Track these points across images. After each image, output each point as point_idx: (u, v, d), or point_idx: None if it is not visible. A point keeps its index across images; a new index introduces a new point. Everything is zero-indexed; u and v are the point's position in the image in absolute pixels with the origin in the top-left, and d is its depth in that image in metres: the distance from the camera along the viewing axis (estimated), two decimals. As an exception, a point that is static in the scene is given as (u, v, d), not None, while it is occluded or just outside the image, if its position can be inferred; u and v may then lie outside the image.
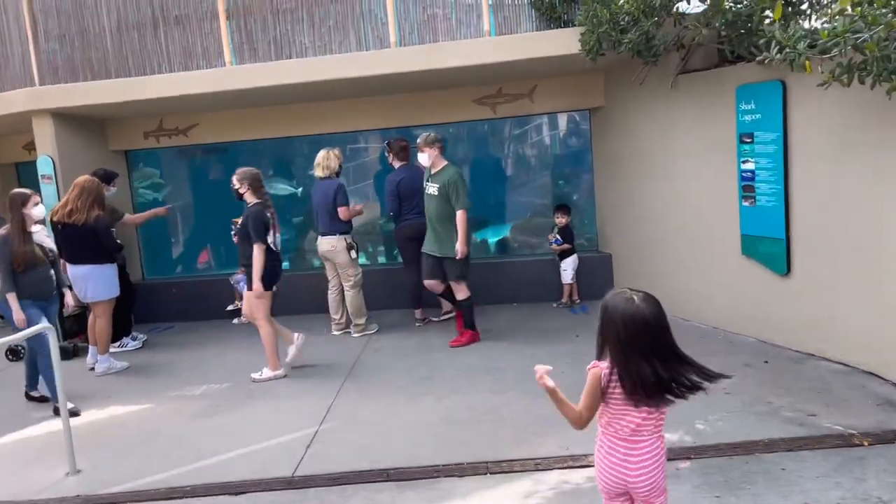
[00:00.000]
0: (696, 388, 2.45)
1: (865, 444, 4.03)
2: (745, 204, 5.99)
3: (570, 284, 7.88)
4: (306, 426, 4.96)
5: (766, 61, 4.50)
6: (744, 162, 5.95)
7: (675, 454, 4.07)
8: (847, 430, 4.21)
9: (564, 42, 6.60)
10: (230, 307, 8.44)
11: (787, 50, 4.23)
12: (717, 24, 5.46)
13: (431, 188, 6.55)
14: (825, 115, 5.20)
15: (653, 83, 6.82)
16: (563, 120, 8.50)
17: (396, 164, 7.50)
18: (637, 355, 2.41)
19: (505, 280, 8.09)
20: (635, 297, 2.44)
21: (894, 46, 4.01)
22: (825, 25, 4.17)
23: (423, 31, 7.20)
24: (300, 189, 8.98)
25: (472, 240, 6.96)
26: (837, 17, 4.04)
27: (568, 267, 7.81)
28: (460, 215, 6.40)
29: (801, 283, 5.62)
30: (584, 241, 8.38)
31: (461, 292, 6.64)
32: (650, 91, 6.91)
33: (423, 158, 6.60)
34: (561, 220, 7.99)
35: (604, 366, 2.52)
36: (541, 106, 7.91)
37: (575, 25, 6.81)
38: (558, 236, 7.84)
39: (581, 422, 2.57)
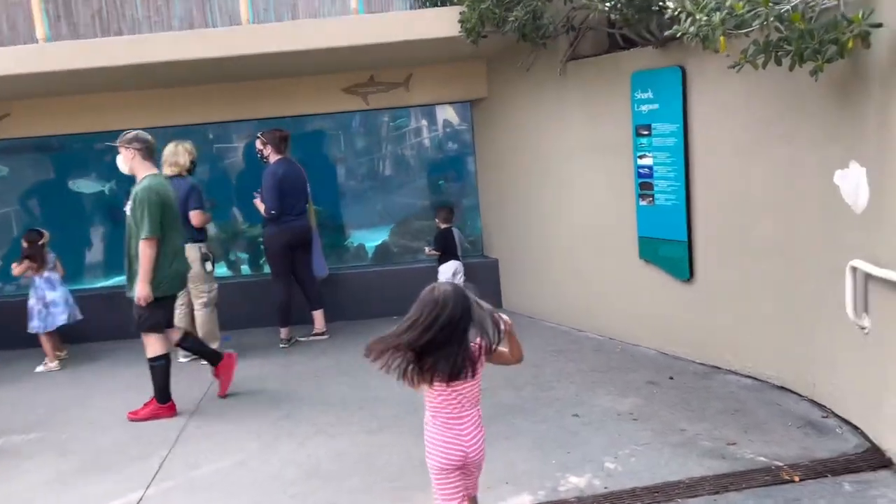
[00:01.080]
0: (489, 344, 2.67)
1: (796, 479, 3.49)
2: (643, 203, 5.44)
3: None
4: (129, 490, 3.91)
5: (678, 35, 3.89)
6: (640, 157, 5.40)
7: (586, 507, 3.38)
8: (773, 461, 3.67)
9: (442, 23, 5.83)
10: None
11: (702, 23, 3.63)
12: (613, 2, 4.85)
13: (128, 207, 4.98)
14: (730, 104, 4.70)
15: (540, 71, 6.19)
16: (443, 112, 7.75)
17: (273, 159, 6.50)
18: (443, 344, 2.58)
19: (384, 291, 7.25)
20: (445, 294, 2.62)
21: (819, 19, 3.49)
22: (740, -3, 3.60)
23: (280, 7, 6.24)
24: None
25: (184, 272, 5.22)
26: (757, -16, 3.48)
27: (441, 274, 7.02)
28: (142, 246, 4.79)
29: (705, 290, 5.12)
30: (469, 245, 7.67)
31: (149, 347, 4.97)
32: (537, 80, 6.28)
33: (120, 163, 5.09)
34: (441, 223, 7.27)
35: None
36: (418, 96, 7.12)
37: (454, 4, 6.07)
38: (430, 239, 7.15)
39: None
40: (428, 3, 6.33)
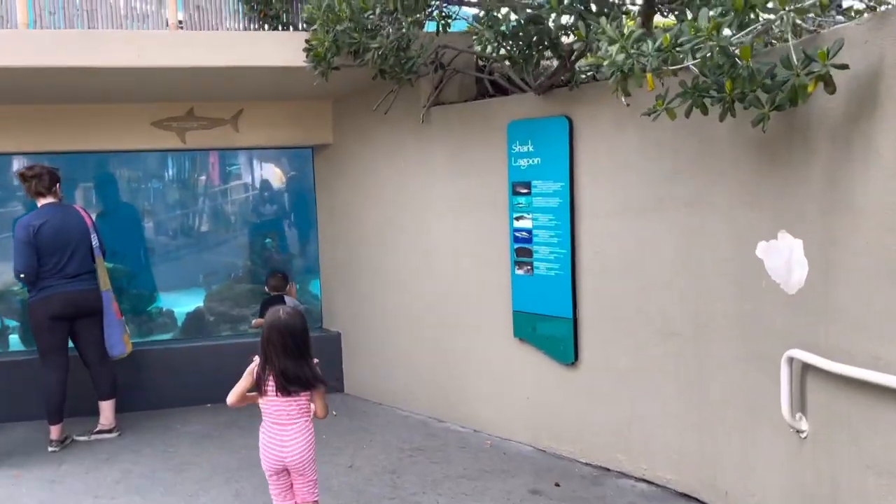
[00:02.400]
0: (318, 381, 3.22)
1: None
2: (519, 272, 4.66)
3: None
4: None
5: (576, 76, 3.18)
6: (517, 218, 4.64)
7: None
8: None
9: (283, 49, 4.81)
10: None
11: (628, 55, 2.91)
12: (497, 32, 4.09)
13: None
14: (626, 160, 4.07)
15: (398, 117, 5.32)
16: (278, 158, 6.63)
17: (40, 202, 5.02)
18: (279, 355, 3.12)
19: (197, 372, 5.87)
20: (282, 311, 3.21)
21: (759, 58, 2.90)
22: (680, 26, 2.94)
23: (70, 11, 4.91)
24: None
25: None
26: (700, 8, 2.83)
27: None
28: None
29: (591, 376, 4.37)
30: (309, 318, 6.48)
31: None
32: (394, 126, 5.41)
33: None
34: (269, 290, 6.11)
35: (258, 363, 3.21)
36: (248, 137, 5.97)
37: (299, 30, 5.09)
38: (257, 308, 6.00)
39: (234, 398, 3.24)
40: (267, 27, 5.29)
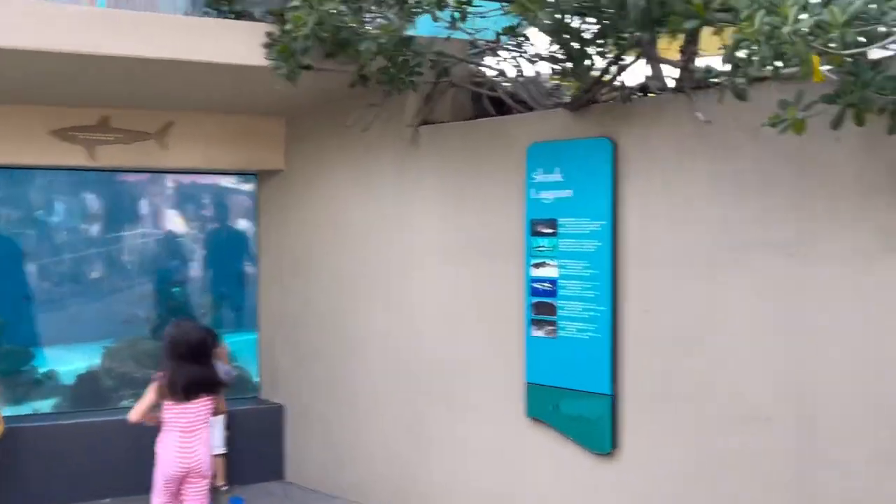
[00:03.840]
0: (220, 385, 3.68)
1: None
2: (537, 334, 3.67)
3: (216, 457, 4.63)
4: None
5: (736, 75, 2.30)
6: (537, 265, 3.67)
7: None
8: None
9: (236, 41, 3.77)
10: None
11: (786, 43, 2.04)
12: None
13: None
14: (687, 194, 3.21)
15: (374, 138, 4.32)
16: (212, 185, 5.41)
17: None
18: (182, 363, 3.45)
19: (87, 453, 4.50)
20: (182, 323, 3.74)
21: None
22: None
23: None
24: None
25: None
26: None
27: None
28: None
29: (634, 471, 3.39)
30: (241, 386, 5.23)
31: None
32: (369, 150, 4.40)
33: None
34: None
35: (160, 376, 3.48)
36: (178, 157, 4.78)
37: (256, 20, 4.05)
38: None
39: (137, 415, 3.52)
40: (219, 14, 4.20)
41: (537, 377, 3.68)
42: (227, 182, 5.33)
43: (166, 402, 3.50)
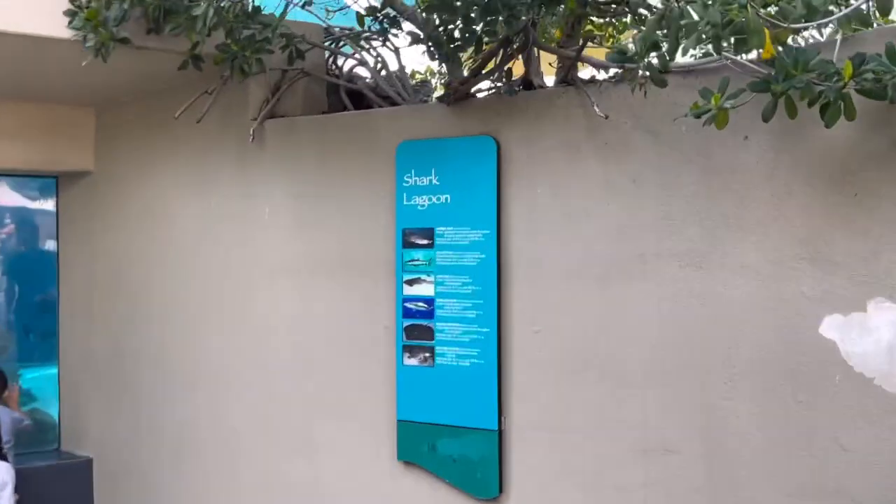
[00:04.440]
0: None
1: None
2: (411, 362, 3.15)
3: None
4: None
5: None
6: (410, 283, 3.16)
7: None
8: None
9: (30, 6, 2.99)
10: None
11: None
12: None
13: None
14: (580, 200, 2.86)
15: (209, 134, 3.64)
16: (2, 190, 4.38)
17: None
18: None
19: None
20: None
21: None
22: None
23: None
24: None
25: None
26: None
27: None
28: None
29: (526, 516, 2.96)
30: (42, 436, 4.24)
31: None
32: (202, 149, 3.70)
33: None
34: None
35: None
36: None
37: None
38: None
39: None
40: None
41: (410, 413, 3.16)
42: (20, 187, 4.34)
43: None
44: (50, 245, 4.33)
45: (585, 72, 3.10)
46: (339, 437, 3.37)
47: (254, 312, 3.60)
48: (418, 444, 3.14)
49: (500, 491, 2.98)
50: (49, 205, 4.31)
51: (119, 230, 4.02)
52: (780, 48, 2.01)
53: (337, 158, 3.38)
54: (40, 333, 4.79)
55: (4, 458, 3.74)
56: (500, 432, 2.97)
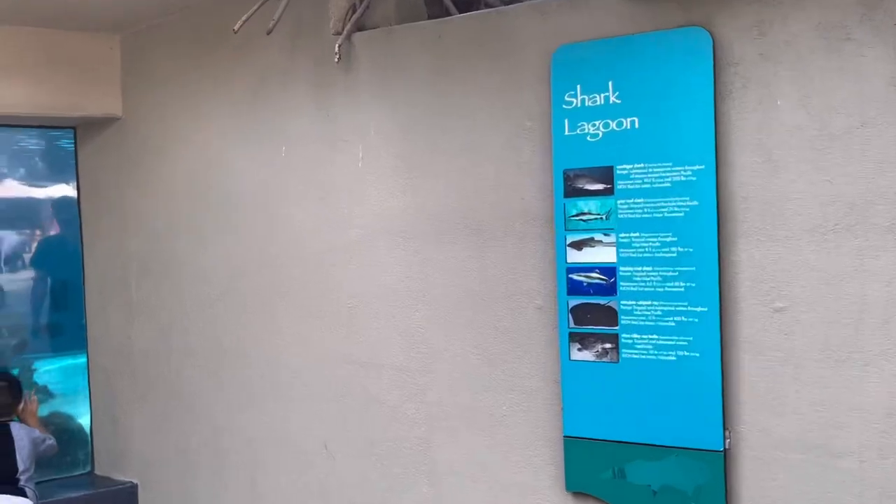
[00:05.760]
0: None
1: None
2: (582, 356, 2.25)
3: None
4: None
5: None
6: (577, 245, 2.25)
7: None
8: None
9: None
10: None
11: None
12: None
13: None
14: (841, 101, 1.92)
15: (277, 59, 2.72)
16: (19, 145, 3.48)
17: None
18: None
19: None
20: None
21: None
22: None
23: None
24: None
25: None
26: None
27: None
28: None
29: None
30: (67, 458, 3.38)
31: None
32: (269, 78, 2.78)
33: None
34: None
35: None
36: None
37: None
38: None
39: None
40: None
41: (583, 427, 2.26)
42: (43, 137, 3.44)
43: None
44: (69, 216, 3.44)
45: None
46: (472, 458, 2.49)
47: (341, 292, 2.71)
48: (597, 470, 2.25)
49: (721, 534, 2.09)
50: (67, 166, 3.40)
51: (158, 193, 3.11)
52: None
53: (458, 76, 2.45)
54: (61, 324, 3.96)
55: (22, 493, 2.89)
56: (727, 453, 2.07)
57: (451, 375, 2.51)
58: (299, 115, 2.75)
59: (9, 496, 2.86)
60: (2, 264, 4.30)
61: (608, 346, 2.21)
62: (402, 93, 2.55)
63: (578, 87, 2.23)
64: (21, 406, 3.07)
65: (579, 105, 2.22)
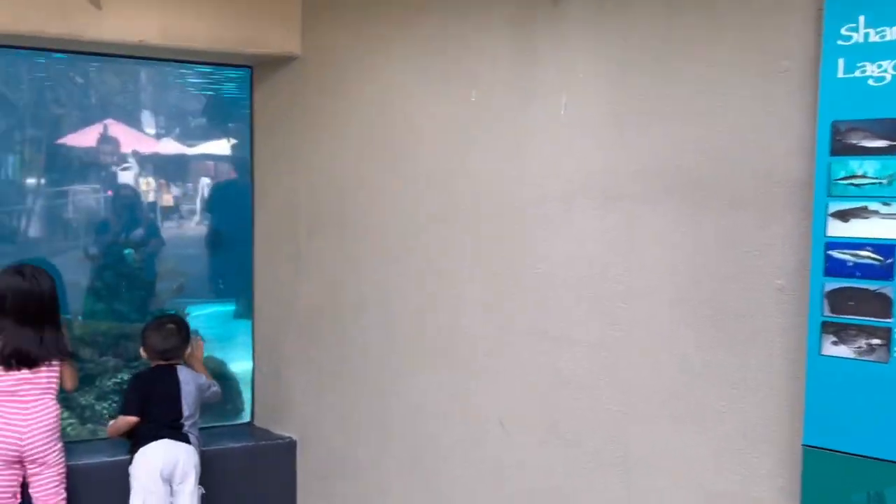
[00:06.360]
0: (61, 355, 2.69)
1: None
2: (837, 351, 1.84)
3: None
4: None
5: None
6: (844, 215, 1.83)
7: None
8: None
9: None
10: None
11: None
12: None
13: None
14: None
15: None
16: (171, 84, 3.43)
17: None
18: (14, 324, 2.60)
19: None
20: (23, 269, 2.64)
21: None
22: None
23: None
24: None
25: None
26: None
27: (137, 479, 2.79)
28: None
29: None
30: (227, 406, 3.34)
31: None
32: (466, 16, 2.50)
33: None
34: (149, 353, 3.00)
35: None
36: (119, 26, 2.79)
37: None
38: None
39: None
40: None
41: (831, 438, 1.86)
42: (217, 78, 3.36)
43: None
44: (241, 163, 3.36)
45: None
46: (675, 455, 2.15)
47: (532, 256, 2.41)
48: (845, 490, 1.85)
49: None
50: (239, 105, 3.30)
51: (334, 140, 2.93)
52: None
53: (693, 5, 2.06)
54: (220, 272, 3.95)
55: (186, 439, 2.84)
56: None
57: (657, 358, 2.17)
58: (494, 55, 2.46)
59: (172, 440, 2.82)
60: (170, 208, 4.35)
61: (876, 341, 1.79)
62: (621, 28, 2.19)
63: (861, 18, 1.78)
64: (188, 350, 3.03)
65: (861, 40, 1.78)
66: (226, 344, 3.74)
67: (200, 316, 3.90)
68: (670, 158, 2.13)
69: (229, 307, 4.60)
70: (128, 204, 4.15)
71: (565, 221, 2.34)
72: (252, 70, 3.17)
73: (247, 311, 4.41)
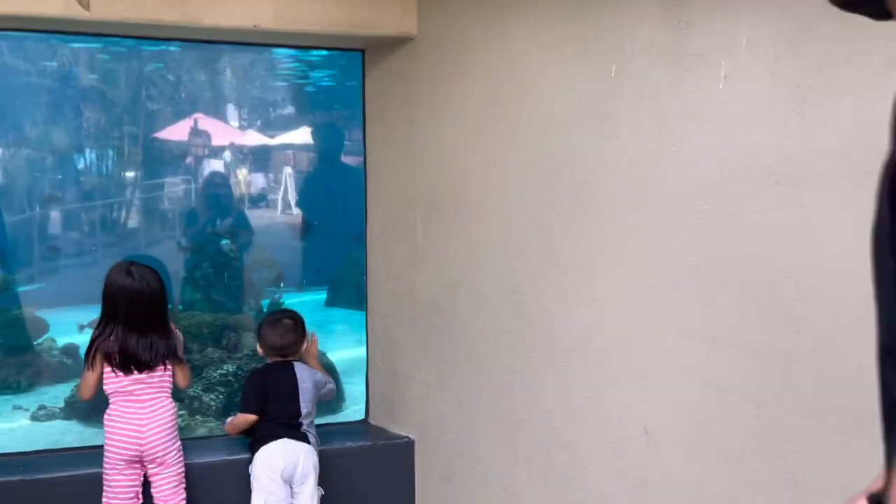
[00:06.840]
0: (173, 357, 2.68)
1: None
2: None
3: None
4: None
5: None
6: None
7: None
8: None
9: None
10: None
11: None
12: None
13: None
14: None
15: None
16: (282, 71, 3.34)
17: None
18: (126, 326, 2.59)
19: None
20: (133, 269, 2.62)
21: None
22: None
23: None
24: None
25: None
26: None
27: (258, 479, 2.72)
28: None
29: None
30: (337, 403, 3.25)
31: None
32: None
33: None
34: (266, 348, 2.92)
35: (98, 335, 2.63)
36: (225, 10, 2.68)
37: None
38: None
39: (89, 391, 2.68)
40: None
41: None
42: (329, 62, 3.24)
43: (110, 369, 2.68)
44: (354, 149, 3.23)
45: None
46: (865, 480, 1.87)
47: (682, 248, 2.17)
48: None
49: None
50: (350, 90, 3.17)
51: (454, 123, 2.75)
52: None
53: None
54: (312, 262, 3.87)
55: (304, 438, 2.75)
56: None
57: (841, 368, 1.90)
58: (639, 23, 2.21)
59: (291, 440, 2.74)
60: (261, 197, 4.30)
61: None
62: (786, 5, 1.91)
63: None
64: (304, 345, 2.94)
65: None
66: (324, 335, 3.66)
67: (293, 304, 3.85)
68: (856, 139, 1.84)
69: (321, 295, 4.54)
70: (223, 194, 4.13)
71: (723, 210, 2.08)
72: (363, 54, 3.02)
73: (338, 298, 4.36)
